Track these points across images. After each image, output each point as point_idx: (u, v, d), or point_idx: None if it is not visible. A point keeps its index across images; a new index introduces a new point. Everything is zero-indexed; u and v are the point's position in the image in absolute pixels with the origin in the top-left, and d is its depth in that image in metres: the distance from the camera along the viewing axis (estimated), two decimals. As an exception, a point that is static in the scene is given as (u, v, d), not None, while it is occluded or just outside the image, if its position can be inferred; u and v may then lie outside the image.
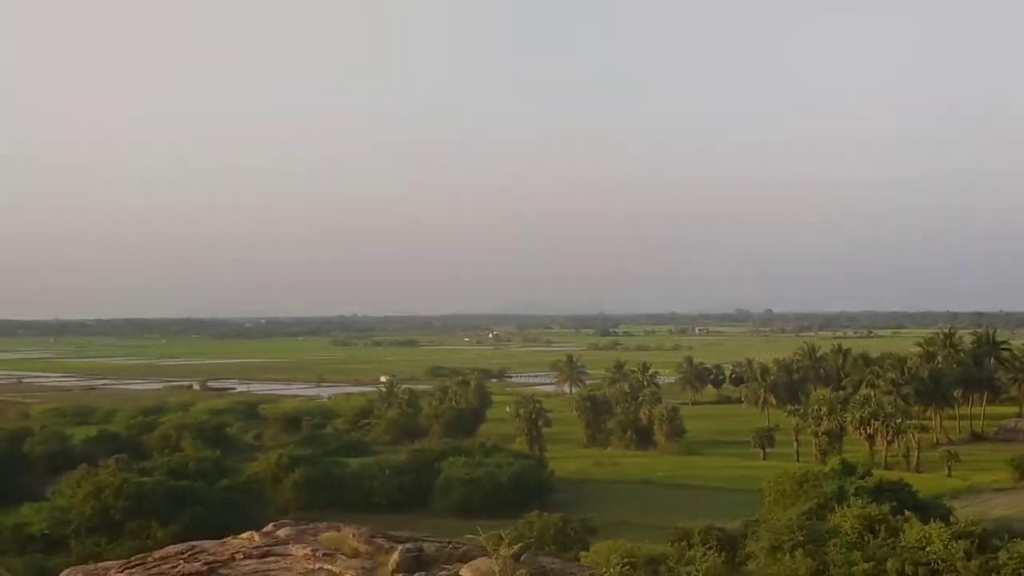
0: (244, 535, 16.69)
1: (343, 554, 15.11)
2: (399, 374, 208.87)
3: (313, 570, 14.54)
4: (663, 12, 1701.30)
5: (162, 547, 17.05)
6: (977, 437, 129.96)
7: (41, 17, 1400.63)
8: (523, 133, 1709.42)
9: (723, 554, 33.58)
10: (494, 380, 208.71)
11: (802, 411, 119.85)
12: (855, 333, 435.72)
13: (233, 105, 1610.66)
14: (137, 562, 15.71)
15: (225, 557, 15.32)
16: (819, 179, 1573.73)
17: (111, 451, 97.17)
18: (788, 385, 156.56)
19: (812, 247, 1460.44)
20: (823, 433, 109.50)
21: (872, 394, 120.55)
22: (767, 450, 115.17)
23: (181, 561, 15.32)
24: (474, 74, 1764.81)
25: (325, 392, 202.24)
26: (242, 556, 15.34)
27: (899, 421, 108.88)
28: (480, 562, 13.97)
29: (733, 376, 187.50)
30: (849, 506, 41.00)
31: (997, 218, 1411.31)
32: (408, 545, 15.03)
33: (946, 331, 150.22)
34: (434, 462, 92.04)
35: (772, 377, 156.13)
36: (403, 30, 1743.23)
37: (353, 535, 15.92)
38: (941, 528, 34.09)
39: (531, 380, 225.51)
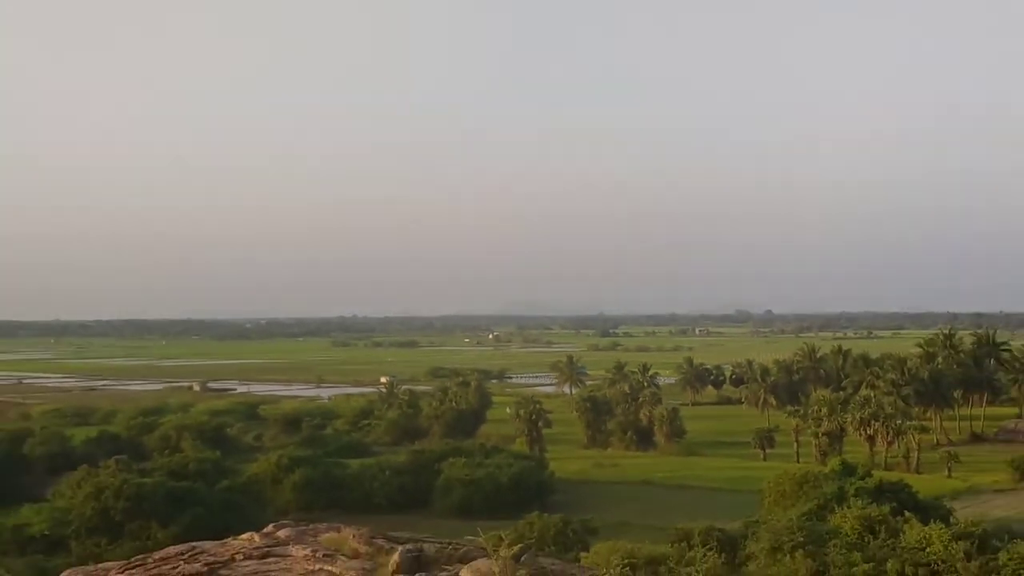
0: (244, 536, 16.74)
1: (343, 555, 15.14)
2: (399, 375, 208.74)
3: (313, 571, 14.57)
4: (663, 12, 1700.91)
5: (162, 548, 17.10)
6: (977, 438, 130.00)
7: (41, 17, 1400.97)
8: (523, 133, 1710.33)
9: (723, 555, 33.50)
10: (494, 381, 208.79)
11: (802, 412, 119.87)
12: (855, 334, 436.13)
13: (233, 105, 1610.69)
14: (137, 563, 15.75)
15: (225, 558, 15.36)
16: (819, 179, 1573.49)
17: (111, 452, 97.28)
18: (788, 386, 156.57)
19: (812, 247, 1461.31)
20: (823, 434, 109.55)
21: (872, 395, 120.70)
22: (767, 451, 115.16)
23: (181, 562, 15.36)
24: (474, 74, 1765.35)
25: (325, 393, 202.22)
26: (242, 557, 15.37)
27: (899, 422, 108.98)
28: (480, 563, 14.00)
29: (733, 377, 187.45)
30: (849, 507, 40.93)
31: (997, 218, 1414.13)
32: (408, 546, 15.06)
33: (946, 332, 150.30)
34: (434, 463, 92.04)
35: (772, 378, 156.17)
36: (403, 30, 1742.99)
37: (353, 536, 15.96)
38: (941, 529, 34.02)
39: (531, 381, 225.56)
